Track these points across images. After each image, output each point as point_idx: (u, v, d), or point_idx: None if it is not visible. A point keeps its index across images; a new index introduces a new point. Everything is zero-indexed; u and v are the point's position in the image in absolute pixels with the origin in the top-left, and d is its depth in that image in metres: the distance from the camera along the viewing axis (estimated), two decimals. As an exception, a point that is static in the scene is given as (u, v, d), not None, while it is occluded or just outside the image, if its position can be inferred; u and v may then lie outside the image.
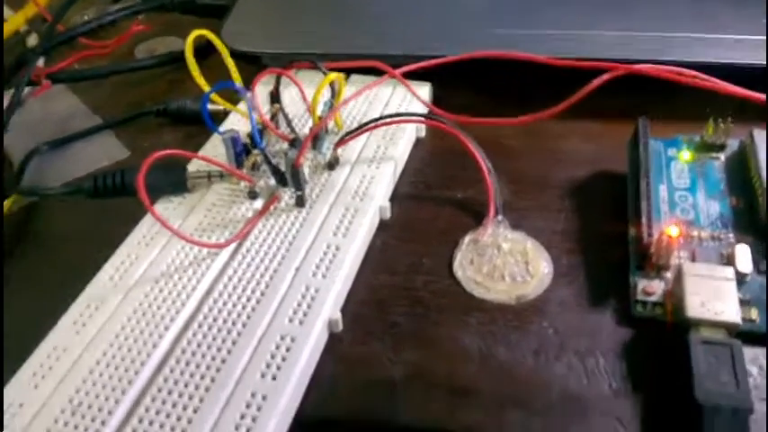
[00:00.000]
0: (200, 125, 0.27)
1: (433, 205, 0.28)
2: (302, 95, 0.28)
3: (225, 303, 0.23)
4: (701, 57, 0.30)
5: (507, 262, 0.25)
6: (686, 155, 0.27)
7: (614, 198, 0.27)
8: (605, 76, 0.25)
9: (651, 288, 0.23)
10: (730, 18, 0.33)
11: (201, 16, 0.39)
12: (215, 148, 0.29)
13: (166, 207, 0.27)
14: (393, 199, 0.28)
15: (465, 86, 0.33)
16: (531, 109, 0.28)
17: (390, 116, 0.29)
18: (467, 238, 0.26)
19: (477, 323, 0.23)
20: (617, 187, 0.27)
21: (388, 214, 0.27)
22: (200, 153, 0.29)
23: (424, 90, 0.32)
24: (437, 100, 0.33)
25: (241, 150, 0.27)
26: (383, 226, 0.27)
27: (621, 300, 0.24)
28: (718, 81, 0.24)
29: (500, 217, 0.27)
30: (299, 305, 0.22)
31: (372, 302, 0.24)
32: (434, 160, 0.30)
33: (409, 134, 0.30)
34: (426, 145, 0.31)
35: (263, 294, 0.23)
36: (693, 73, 0.24)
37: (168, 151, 0.23)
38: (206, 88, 0.26)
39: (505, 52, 0.29)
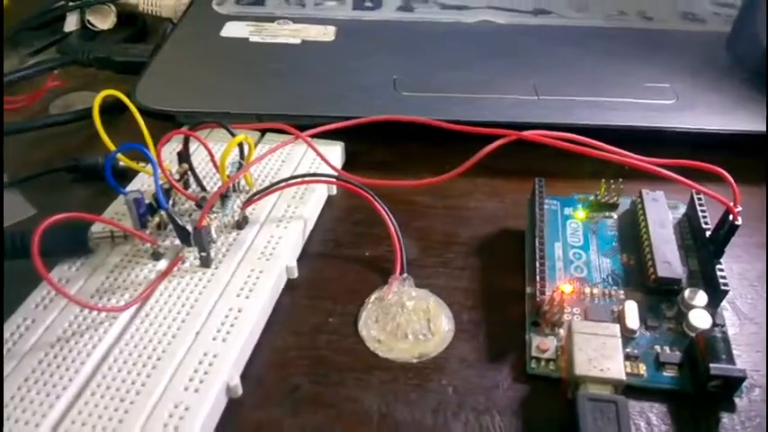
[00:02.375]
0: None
1: (341, 263, 0.28)
2: (210, 156, 0.28)
3: (120, 370, 0.22)
4: (597, 120, 0.32)
5: (410, 320, 0.26)
6: (581, 214, 0.28)
7: (515, 255, 0.28)
8: (499, 142, 0.26)
9: (545, 345, 0.24)
10: (624, 83, 0.35)
11: (118, 72, 0.39)
12: (123, 207, 0.29)
13: (69, 268, 0.26)
14: (302, 258, 0.28)
15: (378, 144, 0.34)
16: (440, 163, 0.29)
17: (300, 176, 0.29)
18: (373, 297, 0.27)
19: (379, 382, 0.24)
20: (518, 244, 0.28)
21: (295, 274, 0.27)
22: (107, 212, 0.29)
23: (336, 149, 0.32)
24: (352, 156, 0.33)
25: (145, 211, 0.27)
26: (291, 285, 0.27)
27: (518, 356, 0.24)
28: (605, 147, 0.26)
29: (405, 275, 0.27)
30: (196, 371, 0.22)
31: (275, 364, 0.24)
32: (345, 218, 0.30)
33: (320, 193, 0.30)
34: (337, 203, 0.31)
35: (159, 360, 0.22)
36: (571, 136, 0.26)
37: (65, 214, 0.23)
38: (113, 148, 0.26)
39: (409, 116, 0.30)
